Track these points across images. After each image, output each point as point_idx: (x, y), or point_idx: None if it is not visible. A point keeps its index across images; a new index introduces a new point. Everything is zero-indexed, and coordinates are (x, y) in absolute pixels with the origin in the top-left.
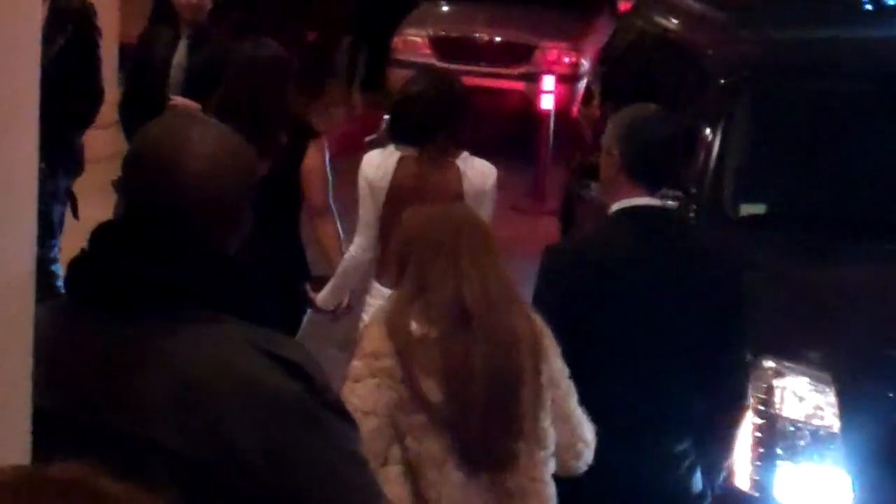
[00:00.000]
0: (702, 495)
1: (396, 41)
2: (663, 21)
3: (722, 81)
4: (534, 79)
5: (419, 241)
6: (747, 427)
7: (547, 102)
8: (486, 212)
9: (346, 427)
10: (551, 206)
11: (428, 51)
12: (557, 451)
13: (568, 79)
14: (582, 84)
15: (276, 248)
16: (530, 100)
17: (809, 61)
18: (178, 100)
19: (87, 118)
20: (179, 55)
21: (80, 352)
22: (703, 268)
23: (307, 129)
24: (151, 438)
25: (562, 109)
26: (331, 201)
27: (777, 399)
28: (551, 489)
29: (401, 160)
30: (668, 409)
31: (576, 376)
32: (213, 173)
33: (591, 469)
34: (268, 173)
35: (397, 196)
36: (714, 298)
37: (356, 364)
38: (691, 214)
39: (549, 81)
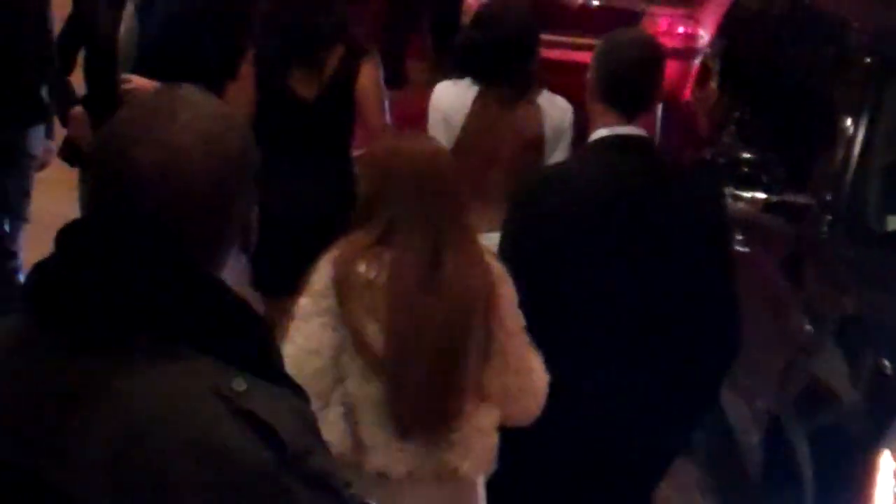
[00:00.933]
0: (668, 450)
1: (469, 2)
2: None
3: (868, 60)
4: None
5: (377, 175)
6: (886, 493)
7: None
8: (562, 151)
9: (326, 502)
10: None
11: None
12: (506, 402)
13: (681, 54)
14: (697, 60)
15: (326, 183)
16: None
17: None
18: (135, 79)
19: None
20: (127, 20)
21: (24, 381)
22: (680, 198)
23: (357, 46)
24: (70, 495)
25: (672, 92)
26: (388, 121)
27: None
28: (493, 440)
29: (479, 94)
30: (639, 347)
31: (542, 311)
32: (181, 168)
33: (541, 420)
34: (315, 99)
35: (473, 133)
36: (691, 228)
37: (303, 301)
38: (824, 228)
39: None
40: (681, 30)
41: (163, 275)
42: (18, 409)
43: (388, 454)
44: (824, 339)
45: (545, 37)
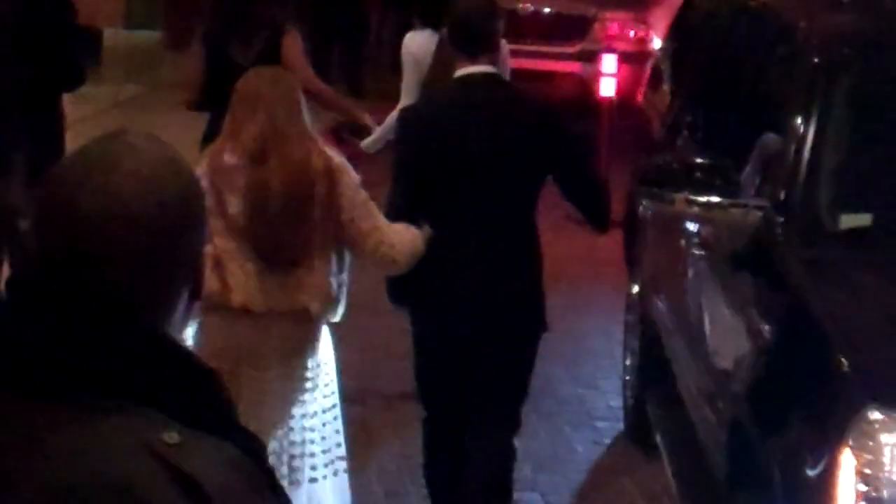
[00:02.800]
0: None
1: None
2: None
3: (817, 60)
4: (591, 58)
5: (238, 95)
6: (849, 491)
7: (607, 87)
8: None
9: None
10: (613, 214)
11: None
12: (365, 255)
13: (633, 58)
14: (649, 65)
15: None
16: (587, 84)
17: None
18: None
19: None
20: None
21: None
22: (519, 111)
23: (280, 26)
24: None
25: (625, 96)
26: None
27: (886, 460)
28: (335, 285)
29: (439, 41)
30: (494, 221)
31: (423, 200)
32: (123, 215)
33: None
34: (249, 64)
35: (437, 69)
36: (525, 130)
37: None
38: (778, 230)
39: (609, 61)
40: (632, 34)
41: (103, 331)
42: None
43: (247, 292)
44: (781, 338)
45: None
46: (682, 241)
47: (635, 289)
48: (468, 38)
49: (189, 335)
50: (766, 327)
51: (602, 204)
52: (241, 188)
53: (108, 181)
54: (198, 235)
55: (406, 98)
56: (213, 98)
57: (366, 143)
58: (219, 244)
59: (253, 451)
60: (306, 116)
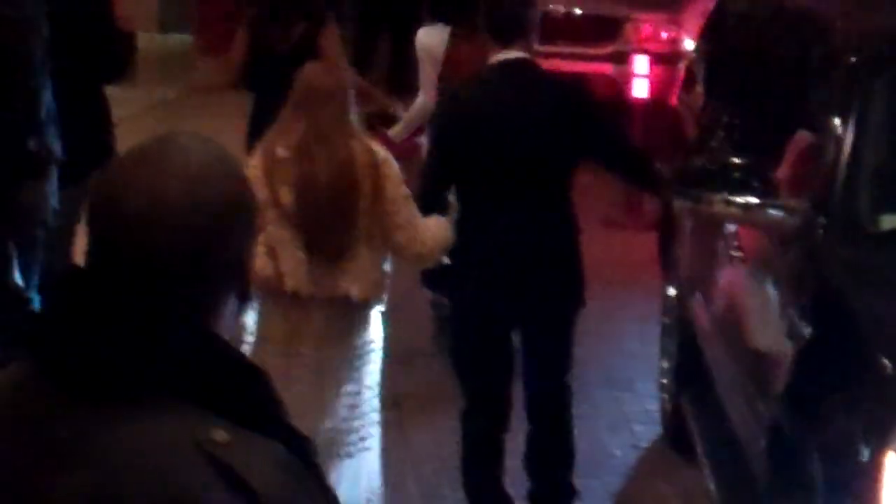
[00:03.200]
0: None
1: None
2: None
3: (854, 59)
4: (623, 60)
5: (294, 89)
6: (892, 493)
7: (640, 89)
8: None
9: None
10: (649, 218)
11: None
12: (399, 249)
13: (665, 59)
14: (682, 66)
15: None
16: (619, 86)
17: None
18: None
19: None
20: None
21: (23, 430)
22: (555, 92)
23: (319, 17)
24: None
25: (658, 97)
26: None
27: None
28: (378, 274)
29: (451, 35)
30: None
31: (462, 178)
32: (166, 216)
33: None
34: (288, 52)
35: (450, 61)
36: (566, 109)
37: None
38: (818, 230)
39: (642, 63)
40: (664, 35)
41: (151, 329)
42: (14, 460)
43: (296, 278)
44: (822, 341)
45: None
46: (720, 243)
47: (672, 291)
48: (503, 23)
49: (249, 321)
50: (807, 329)
51: (647, 163)
52: (292, 181)
53: (154, 182)
54: (246, 237)
55: (425, 93)
56: (254, 82)
57: (392, 131)
58: (273, 233)
59: (302, 451)
60: (353, 114)
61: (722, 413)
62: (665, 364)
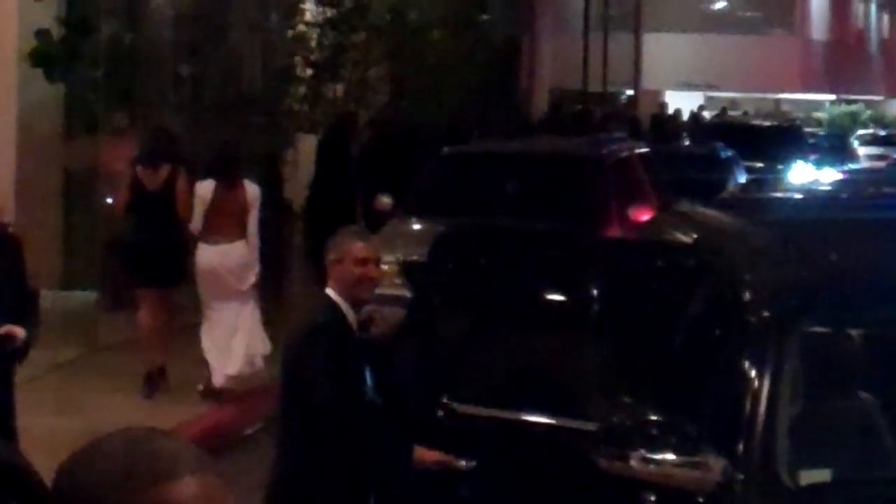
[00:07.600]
0: None
1: None
2: (681, 237)
3: (766, 314)
4: None
5: None
6: None
7: None
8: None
9: None
10: None
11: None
12: None
13: None
14: None
15: (166, 231)
16: None
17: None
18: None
19: None
20: None
21: None
22: None
23: (179, 163)
24: None
25: None
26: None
27: None
28: None
29: (215, 186)
30: None
31: None
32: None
33: None
34: (158, 189)
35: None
36: None
37: None
38: (737, 486)
39: None
40: None
41: None
42: None
43: None
44: None
45: None
46: None
47: None
48: None
49: None
50: None
51: None
52: None
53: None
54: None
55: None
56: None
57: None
58: None
59: None
60: None
61: None
62: None
